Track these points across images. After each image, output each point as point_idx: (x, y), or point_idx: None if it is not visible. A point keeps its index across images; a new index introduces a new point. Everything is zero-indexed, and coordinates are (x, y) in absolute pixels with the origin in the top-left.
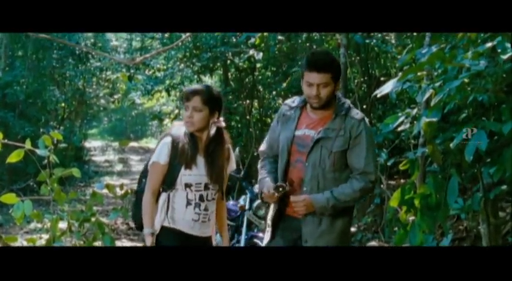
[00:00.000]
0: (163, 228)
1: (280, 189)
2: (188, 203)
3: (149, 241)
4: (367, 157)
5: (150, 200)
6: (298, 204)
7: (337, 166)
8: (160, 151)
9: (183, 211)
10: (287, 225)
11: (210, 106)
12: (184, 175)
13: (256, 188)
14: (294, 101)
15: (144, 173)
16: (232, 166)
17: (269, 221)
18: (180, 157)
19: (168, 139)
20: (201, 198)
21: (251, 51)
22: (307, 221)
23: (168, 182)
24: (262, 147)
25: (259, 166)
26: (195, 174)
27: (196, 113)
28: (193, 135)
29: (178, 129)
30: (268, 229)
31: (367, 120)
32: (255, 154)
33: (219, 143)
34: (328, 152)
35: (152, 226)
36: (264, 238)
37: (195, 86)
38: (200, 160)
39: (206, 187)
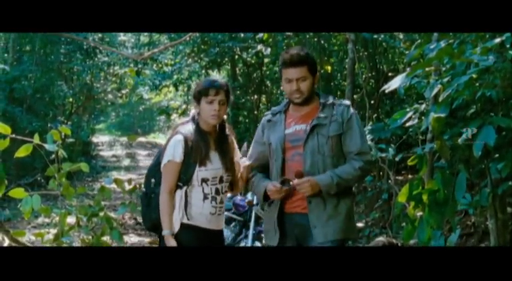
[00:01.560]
0: (182, 225)
1: (287, 182)
2: (205, 197)
3: (171, 243)
4: (361, 138)
5: (168, 200)
6: (303, 185)
7: (335, 151)
8: (174, 149)
9: (200, 206)
10: (288, 221)
11: (229, 99)
12: (201, 171)
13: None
14: (274, 109)
15: (152, 173)
16: (238, 154)
17: (273, 225)
18: (195, 155)
19: (180, 137)
20: (217, 191)
21: (259, 47)
22: (312, 208)
23: (184, 179)
24: (249, 161)
25: (248, 178)
26: (211, 169)
27: (222, 106)
28: (204, 131)
29: (185, 127)
30: (270, 229)
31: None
32: None
33: (226, 134)
34: (325, 137)
35: (172, 226)
36: (265, 239)
37: (215, 79)
38: (213, 155)
39: (221, 180)
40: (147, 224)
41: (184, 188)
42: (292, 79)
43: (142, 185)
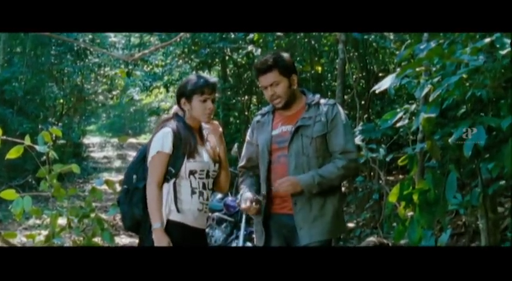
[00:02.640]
0: (168, 222)
1: (257, 203)
2: (193, 191)
3: (162, 238)
4: (345, 136)
5: (157, 193)
6: (283, 184)
7: (320, 152)
8: (163, 140)
9: (189, 201)
10: (276, 222)
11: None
12: (189, 162)
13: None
14: (263, 110)
15: (134, 170)
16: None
17: (260, 226)
18: (184, 146)
19: (168, 129)
20: (204, 186)
21: (249, 47)
22: (298, 209)
23: (172, 171)
24: (241, 163)
25: (239, 181)
26: (199, 161)
27: (213, 104)
28: (191, 126)
29: (171, 122)
30: (258, 230)
31: (339, 105)
32: None
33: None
34: (309, 139)
35: (162, 219)
36: (255, 239)
37: (207, 76)
38: (200, 148)
39: (207, 175)
40: (127, 223)
41: (172, 181)
42: (266, 86)
43: (122, 183)
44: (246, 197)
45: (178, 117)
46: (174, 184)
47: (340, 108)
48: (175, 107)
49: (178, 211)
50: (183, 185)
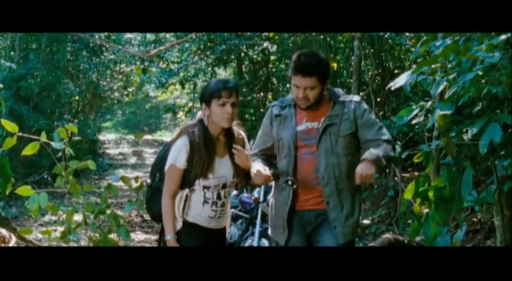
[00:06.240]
0: (184, 223)
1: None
2: (205, 201)
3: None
4: (378, 126)
5: (170, 204)
6: (368, 174)
7: (349, 150)
8: (178, 153)
9: (199, 209)
10: (300, 220)
11: (238, 100)
12: (201, 180)
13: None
14: (282, 101)
15: (156, 168)
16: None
17: (282, 221)
18: (196, 168)
19: (185, 141)
20: (219, 196)
21: (265, 44)
22: (331, 209)
23: (186, 183)
24: (255, 149)
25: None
26: (212, 178)
27: (234, 108)
28: (211, 137)
29: (192, 130)
30: (279, 225)
31: (364, 102)
32: None
33: (233, 137)
34: (336, 137)
35: (173, 231)
36: (275, 234)
37: (226, 79)
38: (220, 161)
39: (224, 186)
40: (150, 213)
41: (186, 190)
42: (300, 87)
43: (148, 177)
44: (263, 165)
45: (200, 124)
46: (187, 195)
47: (365, 104)
48: (199, 113)
49: (185, 218)
50: (195, 195)
